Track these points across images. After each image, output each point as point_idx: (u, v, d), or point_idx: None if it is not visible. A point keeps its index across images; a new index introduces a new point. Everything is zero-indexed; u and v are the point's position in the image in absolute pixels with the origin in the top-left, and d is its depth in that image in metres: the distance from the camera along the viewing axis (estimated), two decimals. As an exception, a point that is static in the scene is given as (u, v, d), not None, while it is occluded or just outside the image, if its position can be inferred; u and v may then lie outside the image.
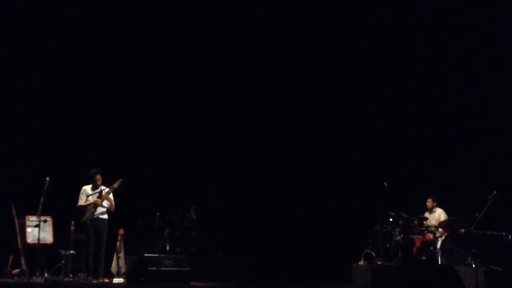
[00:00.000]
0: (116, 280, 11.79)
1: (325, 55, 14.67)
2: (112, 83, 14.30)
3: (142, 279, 11.25)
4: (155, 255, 11.88)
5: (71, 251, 11.92)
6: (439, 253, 11.86)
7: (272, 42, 14.65)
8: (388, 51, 14.30)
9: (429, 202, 12.61)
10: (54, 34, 13.98)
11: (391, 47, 14.26)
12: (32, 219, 12.03)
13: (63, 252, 11.90)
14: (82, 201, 11.79)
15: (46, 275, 11.70)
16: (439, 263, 11.75)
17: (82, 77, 14.22)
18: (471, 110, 13.60)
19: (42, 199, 11.50)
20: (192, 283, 11.52)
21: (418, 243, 12.11)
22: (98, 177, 11.77)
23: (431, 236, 12.15)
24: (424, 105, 14.16)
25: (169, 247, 12.89)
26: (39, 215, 11.70)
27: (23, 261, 11.76)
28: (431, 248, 12.03)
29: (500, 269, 10.96)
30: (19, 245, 11.91)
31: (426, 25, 13.91)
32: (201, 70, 14.76)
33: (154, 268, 11.35)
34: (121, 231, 12.58)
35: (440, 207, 12.60)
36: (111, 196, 11.70)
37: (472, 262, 11.21)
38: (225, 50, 14.76)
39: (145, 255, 11.72)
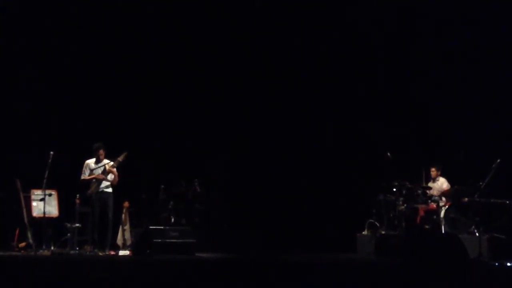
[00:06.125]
0: (122, 252, 11.88)
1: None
2: (115, 55, 14.25)
3: (148, 251, 11.33)
4: (160, 227, 11.96)
5: (77, 224, 12.01)
6: (443, 222, 11.91)
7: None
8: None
9: (433, 171, 12.63)
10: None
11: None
12: (37, 193, 12.08)
13: (69, 225, 11.98)
14: (85, 175, 11.84)
15: (52, 248, 11.79)
16: (443, 231, 11.80)
17: (85, 50, 14.17)
18: (473, 79, 13.57)
19: (46, 173, 11.55)
20: (197, 255, 11.61)
21: (421, 212, 12.15)
22: (101, 152, 11.80)
23: (434, 205, 12.19)
24: (426, 75, 14.12)
25: (174, 219, 12.95)
26: (44, 189, 11.78)
27: (29, 235, 11.84)
28: (435, 217, 12.07)
29: (503, 237, 11.00)
30: (25, 219, 11.97)
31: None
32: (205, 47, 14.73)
33: (159, 240, 11.44)
34: (126, 204, 12.63)
35: (444, 176, 12.62)
36: (115, 169, 11.73)
37: (476, 230, 11.26)
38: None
39: (150, 227, 11.80)
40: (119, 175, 11.82)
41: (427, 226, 11.97)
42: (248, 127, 14.68)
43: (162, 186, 13.10)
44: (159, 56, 14.54)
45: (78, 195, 12.03)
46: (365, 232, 12.49)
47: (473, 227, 11.39)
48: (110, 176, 11.74)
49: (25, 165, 12.79)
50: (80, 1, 14.08)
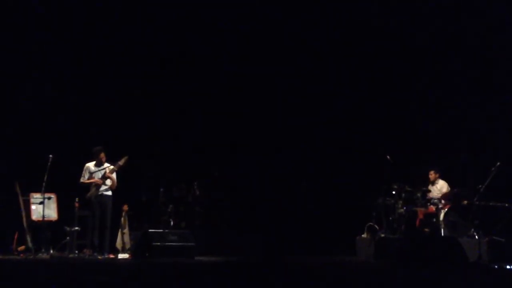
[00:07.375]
0: (121, 256, 11.86)
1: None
2: (113, 59, 14.26)
3: (147, 254, 11.33)
4: (159, 230, 11.95)
5: (76, 228, 11.99)
6: (442, 225, 11.90)
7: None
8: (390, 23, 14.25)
9: (432, 175, 12.64)
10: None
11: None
12: (36, 197, 12.07)
13: (68, 228, 11.96)
14: (84, 178, 11.85)
15: (51, 251, 11.77)
16: (442, 235, 11.79)
17: (83, 54, 14.17)
18: (473, 82, 13.57)
19: (45, 177, 11.55)
20: (196, 258, 11.59)
21: (421, 215, 12.15)
22: (102, 155, 11.82)
23: (433, 208, 12.18)
24: (426, 77, 14.12)
25: (173, 223, 12.94)
26: (43, 192, 11.77)
27: (28, 238, 11.81)
28: (434, 220, 12.07)
29: (503, 240, 10.99)
30: (24, 223, 11.95)
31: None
32: (202, 45, 14.72)
33: (158, 244, 11.43)
34: (125, 207, 12.61)
35: (443, 179, 12.62)
36: (114, 175, 11.74)
37: (475, 234, 11.25)
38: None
39: (150, 230, 11.78)
40: (118, 179, 11.83)
41: (426, 229, 11.97)
42: (248, 129, 14.68)
43: (162, 189, 13.10)
44: (158, 58, 14.54)
45: (77, 199, 12.01)
46: (364, 235, 12.49)
47: (473, 230, 11.38)
48: (108, 181, 11.75)
49: (24, 168, 12.79)
50: (82, 1, 14.10)
